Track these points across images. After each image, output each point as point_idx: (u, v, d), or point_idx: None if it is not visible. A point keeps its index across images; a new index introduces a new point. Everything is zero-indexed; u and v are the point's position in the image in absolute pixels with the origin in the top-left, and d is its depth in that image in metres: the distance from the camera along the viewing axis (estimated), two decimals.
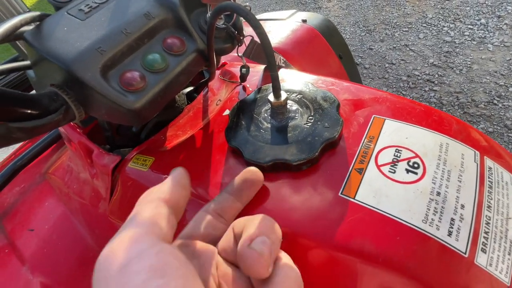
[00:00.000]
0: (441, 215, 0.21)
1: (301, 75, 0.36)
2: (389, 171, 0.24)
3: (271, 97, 0.27)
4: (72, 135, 0.38)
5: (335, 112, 0.27)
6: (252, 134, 0.28)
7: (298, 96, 0.30)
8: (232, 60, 0.49)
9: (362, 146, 0.26)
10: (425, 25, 1.74)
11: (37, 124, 0.22)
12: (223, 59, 0.44)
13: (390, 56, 1.64)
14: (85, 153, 0.37)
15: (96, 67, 0.23)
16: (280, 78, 0.27)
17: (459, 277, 0.20)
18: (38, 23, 0.25)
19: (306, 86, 0.31)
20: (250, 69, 0.37)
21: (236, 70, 0.42)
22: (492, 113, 1.24)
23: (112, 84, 0.24)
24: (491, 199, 0.23)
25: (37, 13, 0.25)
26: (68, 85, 0.24)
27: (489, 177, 0.24)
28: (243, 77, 0.37)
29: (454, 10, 1.76)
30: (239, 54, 0.35)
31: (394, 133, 0.26)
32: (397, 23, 1.82)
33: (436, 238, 0.20)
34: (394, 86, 1.49)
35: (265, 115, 0.29)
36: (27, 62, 0.27)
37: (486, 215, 0.22)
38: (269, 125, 0.28)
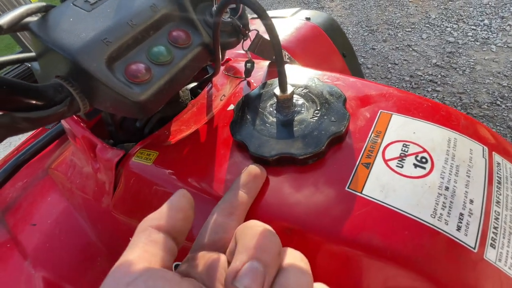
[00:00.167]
0: (450, 210, 0.21)
1: (306, 70, 0.36)
2: (397, 166, 0.23)
3: (277, 91, 0.27)
4: (75, 129, 0.37)
5: (342, 107, 0.27)
6: (257, 128, 0.28)
7: (304, 91, 0.30)
8: (235, 56, 0.49)
9: (369, 140, 0.25)
10: (428, 25, 1.73)
11: (42, 115, 0.22)
12: (227, 55, 0.43)
13: (392, 56, 1.63)
14: (89, 147, 0.37)
15: (101, 58, 0.23)
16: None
17: (468, 272, 0.20)
18: (43, 14, 0.24)
19: (312, 81, 0.31)
20: (254, 64, 0.37)
21: (240, 66, 0.41)
22: (495, 114, 1.24)
23: (117, 76, 0.24)
24: (500, 194, 0.23)
25: (43, 3, 0.24)
26: (73, 77, 0.24)
27: (497, 173, 0.24)
28: (248, 72, 0.36)
29: (457, 11, 1.75)
30: (245, 49, 0.35)
31: (401, 128, 0.26)
32: (400, 23, 1.82)
33: (444, 233, 0.20)
34: (396, 86, 1.48)
35: (271, 109, 0.29)
36: (32, 54, 0.27)
37: (495, 211, 0.22)
38: (274, 119, 0.28)
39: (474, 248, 0.20)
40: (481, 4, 1.73)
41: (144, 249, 0.16)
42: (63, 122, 0.41)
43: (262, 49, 0.36)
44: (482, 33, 1.56)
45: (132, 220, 0.33)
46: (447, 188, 0.22)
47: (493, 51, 1.46)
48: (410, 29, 1.75)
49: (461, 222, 0.21)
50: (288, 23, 0.71)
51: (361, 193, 0.22)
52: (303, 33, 0.69)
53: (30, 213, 0.46)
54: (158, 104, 0.26)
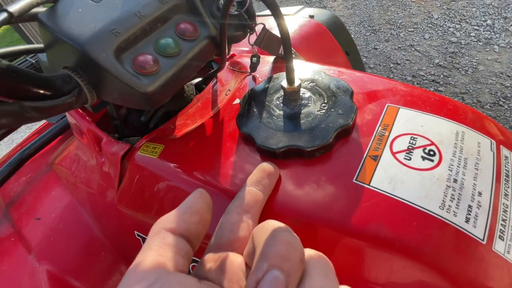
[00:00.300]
0: (458, 202, 0.21)
1: (312, 64, 0.36)
2: (405, 158, 0.23)
3: (284, 83, 0.27)
4: (81, 123, 0.38)
5: (349, 100, 0.27)
6: (264, 121, 0.28)
7: (310, 84, 0.30)
8: (240, 53, 0.49)
9: (376, 133, 0.25)
10: (430, 25, 1.73)
11: (50, 105, 0.22)
12: (231, 51, 0.43)
13: (395, 56, 1.63)
14: (94, 141, 0.37)
15: (110, 49, 0.23)
16: None
17: (476, 264, 0.19)
18: (52, 4, 0.24)
19: (319, 75, 0.31)
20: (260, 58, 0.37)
21: (245, 61, 0.42)
22: (498, 114, 1.24)
23: (125, 67, 0.24)
24: (508, 187, 0.23)
25: None
26: (81, 67, 0.24)
27: (505, 166, 0.24)
28: (254, 67, 0.36)
29: (460, 11, 1.75)
30: (251, 43, 0.35)
31: (409, 121, 0.26)
32: (403, 23, 1.82)
33: (453, 224, 0.20)
34: None
35: (277, 102, 0.29)
36: (40, 45, 0.27)
37: (504, 203, 0.22)
38: (281, 112, 0.28)
39: (483, 240, 0.20)
40: (484, 5, 1.73)
41: (159, 252, 0.16)
42: (68, 116, 0.41)
43: (268, 44, 0.36)
44: (485, 34, 1.56)
45: (137, 213, 0.33)
46: (455, 181, 0.22)
47: (496, 51, 1.46)
48: (412, 29, 1.75)
49: (469, 214, 0.21)
50: (291, 21, 0.71)
51: (369, 185, 0.22)
52: (307, 31, 0.69)
53: (34, 207, 0.46)
54: (165, 96, 0.26)
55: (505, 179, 0.23)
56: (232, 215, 0.21)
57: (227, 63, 0.42)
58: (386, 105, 0.28)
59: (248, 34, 0.33)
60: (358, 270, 0.21)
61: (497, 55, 1.44)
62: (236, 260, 0.18)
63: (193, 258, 0.28)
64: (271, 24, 0.47)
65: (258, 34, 0.35)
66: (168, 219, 0.18)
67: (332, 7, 2.20)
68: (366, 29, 1.88)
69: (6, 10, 0.20)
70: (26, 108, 0.20)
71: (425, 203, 0.21)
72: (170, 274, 0.15)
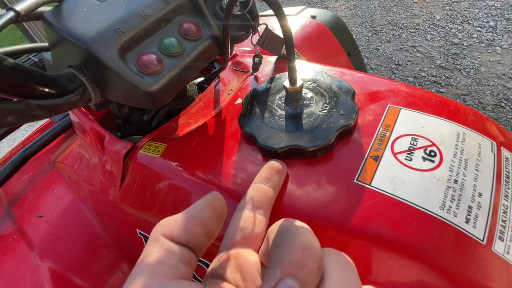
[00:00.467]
0: (459, 203, 0.21)
1: (314, 65, 0.36)
2: (406, 159, 0.23)
3: (286, 83, 0.27)
4: (84, 122, 0.38)
5: (351, 100, 0.27)
6: (266, 121, 0.28)
7: (312, 84, 0.30)
8: (242, 52, 0.49)
9: (377, 134, 0.26)
10: (432, 26, 1.73)
11: (55, 103, 0.22)
12: (233, 51, 0.44)
13: (396, 57, 1.63)
14: (97, 139, 0.37)
15: (114, 48, 0.23)
16: None
17: (476, 264, 0.20)
18: (57, 3, 0.25)
19: (321, 75, 0.31)
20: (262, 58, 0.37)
21: (247, 61, 0.42)
22: (499, 116, 1.23)
23: (129, 66, 0.24)
24: (508, 188, 0.23)
25: None
26: (86, 66, 0.24)
27: (506, 167, 0.24)
28: (256, 67, 0.37)
29: (462, 12, 1.75)
30: (253, 43, 0.35)
31: (410, 122, 0.26)
32: (404, 24, 1.81)
33: (453, 225, 0.20)
34: None
35: (279, 102, 0.29)
36: (45, 44, 0.28)
37: (504, 204, 0.22)
38: (283, 112, 0.28)
39: (483, 241, 0.20)
40: (487, 6, 1.73)
41: (159, 260, 0.15)
42: (71, 114, 0.41)
43: (270, 44, 0.36)
44: (487, 35, 1.56)
45: (139, 212, 0.33)
46: (456, 181, 0.22)
47: (498, 53, 1.46)
48: (414, 30, 1.75)
49: (469, 215, 0.21)
50: (293, 21, 0.71)
51: (370, 185, 0.22)
52: (309, 31, 0.69)
53: (37, 205, 0.47)
54: (169, 95, 0.27)
55: (506, 180, 0.23)
56: (243, 212, 0.21)
57: (229, 62, 0.42)
58: (388, 106, 0.28)
59: (251, 34, 0.34)
60: (358, 269, 0.21)
61: (499, 57, 1.44)
62: (250, 258, 0.18)
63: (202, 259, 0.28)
64: (274, 24, 0.47)
65: (260, 34, 0.36)
66: (169, 225, 0.17)
67: (334, 7, 2.20)
68: (368, 29, 1.88)
69: (13, 9, 0.20)
70: (31, 106, 0.21)
71: (426, 204, 0.21)
72: (172, 281, 0.14)
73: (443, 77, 1.44)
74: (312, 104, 0.28)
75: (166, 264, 0.15)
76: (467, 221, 0.21)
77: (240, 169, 0.27)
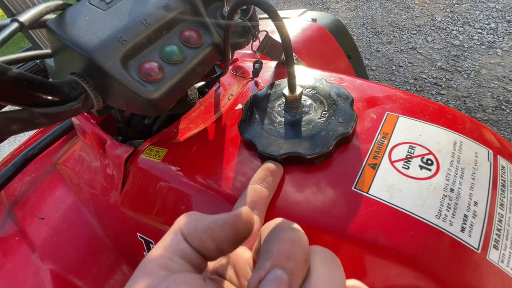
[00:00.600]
0: (455, 211, 0.22)
1: (314, 71, 0.36)
2: (403, 167, 0.24)
3: (286, 91, 0.27)
4: (86, 126, 0.38)
5: (349, 108, 0.27)
6: (265, 127, 0.28)
7: (311, 92, 0.30)
8: (242, 56, 0.49)
9: (375, 142, 0.26)
10: (433, 28, 1.73)
11: (58, 111, 0.23)
12: (234, 55, 0.44)
13: (397, 58, 1.63)
14: (98, 143, 0.37)
15: (117, 56, 0.24)
16: None
17: (471, 272, 0.20)
18: (60, 12, 0.25)
19: (320, 82, 0.31)
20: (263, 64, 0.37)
21: (248, 66, 0.42)
22: (500, 118, 1.24)
23: (131, 74, 0.24)
24: (504, 197, 0.23)
25: (60, 2, 0.25)
26: (88, 74, 0.25)
27: (502, 176, 0.24)
28: (256, 73, 0.37)
29: (463, 14, 1.75)
30: (254, 50, 0.35)
31: (408, 130, 0.26)
32: (405, 26, 1.82)
33: (449, 234, 0.21)
34: (401, 89, 1.48)
35: (279, 109, 0.30)
36: (48, 51, 0.28)
37: (499, 213, 0.22)
38: (282, 119, 0.29)
39: (478, 249, 0.20)
40: (488, 8, 1.73)
41: (170, 257, 0.15)
42: (73, 118, 0.42)
43: (270, 50, 0.37)
44: (488, 37, 1.56)
45: (140, 216, 0.34)
46: (452, 190, 0.22)
47: (498, 55, 1.46)
48: (415, 32, 1.75)
49: (465, 223, 0.21)
50: (294, 24, 0.72)
51: (367, 193, 0.23)
52: (309, 34, 0.70)
53: (38, 207, 0.47)
54: (170, 102, 0.27)
55: (501, 189, 0.24)
56: None
57: (230, 67, 0.43)
58: (386, 114, 0.28)
59: (251, 41, 0.34)
60: (354, 276, 0.21)
61: (500, 59, 1.44)
62: (243, 254, 0.19)
63: None
64: (274, 28, 0.47)
65: (261, 40, 0.36)
66: (189, 226, 0.16)
67: (335, 8, 2.20)
68: (368, 31, 1.88)
69: (17, 20, 0.20)
70: (35, 114, 0.21)
71: (422, 212, 0.21)
72: (176, 274, 0.15)
73: (444, 79, 1.44)
74: (311, 112, 0.28)
75: (175, 261, 0.15)
76: (463, 229, 0.21)
77: (239, 175, 0.27)
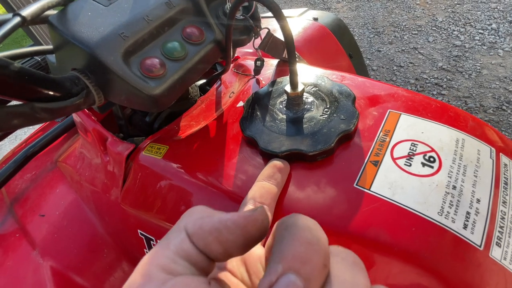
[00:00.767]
0: (457, 208, 0.21)
1: (315, 69, 0.36)
2: (405, 164, 0.24)
3: (287, 88, 0.27)
4: (87, 123, 0.38)
5: (351, 105, 0.27)
6: (267, 124, 0.28)
7: (313, 89, 0.30)
8: (244, 54, 0.49)
9: (377, 139, 0.26)
10: (435, 28, 1.73)
11: (59, 106, 0.23)
12: (235, 52, 0.44)
13: (398, 58, 1.63)
14: (99, 140, 0.37)
15: (118, 52, 0.24)
16: None
17: (473, 270, 0.20)
18: (62, 7, 0.25)
19: (322, 79, 0.31)
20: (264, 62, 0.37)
21: (249, 64, 0.42)
22: (501, 119, 1.23)
23: (133, 70, 0.24)
24: (507, 195, 0.23)
25: None
26: (89, 69, 0.25)
27: (504, 174, 0.24)
28: (258, 70, 0.37)
29: (465, 14, 1.74)
30: (255, 47, 0.35)
31: (410, 127, 0.26)
32: (407, 26, 1.81)
33: (451, 230, 0.21)
34: None
35: (280, 106, 0.29)
36: (49, 47, 0.28)
37: (501, 210, 0.22)
38: (284, 116, 0.28)
39: (480, 246, 0.20)
40: (489, 8, 1.72)
41: (172, 258, 0.14)
42: (74, 114, 0.42)
43: (272, 47, 0.37)
44: (490, 37, 1.56)
45: (141, 213, 0.34)
46: (454, 187, 0.22)
47: (500, 55, 1.46)
48: (416, 32, 1.75)
49: (467, 221, 0.21)
50: (295, 23, 0.71)
51: (369, 190, 0.23)
52: (310, 33, 0.70)
53: (39, 204, 0.47)
54: (172, 98, 0.27)
55: (504, 186, 0.24)
56: (247, 207, 0.21)
57: (231, 65, 0.43)
58: (388, 111, 0.28)
59: (253, 38, 0.34)
60: None
61: (501, 59, 1.44)
62: (255, 251, 0.18)
63: None
64: (276, 26, 0.47)
65: (262, 38, 0.36)
66: (195, 223, 0.15)
67: (336, 8, 2.20)
68: (370, 31, 1.88)
69: (19, 14, 0.20)
70: (37, 109, 0.21)
71: (424, 209, 0.21)
72: (179, 277, 0.14)
73: (445, 79, 1.44)
74: (313, 109, 0.28)
75: (178, 264, 0.14)
76: (465, 226, 0.21)
77: (240, 172, 0.27)
